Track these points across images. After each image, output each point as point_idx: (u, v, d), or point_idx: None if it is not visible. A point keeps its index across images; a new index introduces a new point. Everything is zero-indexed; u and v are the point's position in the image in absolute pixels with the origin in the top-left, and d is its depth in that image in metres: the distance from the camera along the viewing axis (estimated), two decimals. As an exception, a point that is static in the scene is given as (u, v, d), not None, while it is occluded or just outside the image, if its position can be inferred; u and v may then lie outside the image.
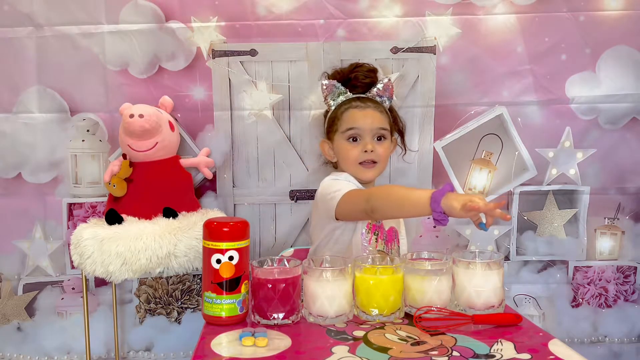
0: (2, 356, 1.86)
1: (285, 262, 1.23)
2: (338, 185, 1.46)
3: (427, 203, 1.22)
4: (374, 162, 1.53)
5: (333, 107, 1.59)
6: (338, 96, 1.58)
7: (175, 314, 1.88)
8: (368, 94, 1.58)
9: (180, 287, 1.87)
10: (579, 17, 1.82)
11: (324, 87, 1.59)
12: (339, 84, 1.58)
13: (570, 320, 1.93)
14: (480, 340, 1.09)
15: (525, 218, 1.91)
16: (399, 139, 1.68)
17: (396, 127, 1.65)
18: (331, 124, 1.58)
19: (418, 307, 1.20)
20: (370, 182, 1.57)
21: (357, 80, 1.58)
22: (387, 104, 1.59)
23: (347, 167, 1.55)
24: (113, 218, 1.60)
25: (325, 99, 1.60)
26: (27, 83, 1.79)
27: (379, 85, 1.58)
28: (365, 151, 1.51)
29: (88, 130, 1.81)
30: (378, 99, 1.58)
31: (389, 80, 1.59)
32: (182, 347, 1.86)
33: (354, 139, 1.53)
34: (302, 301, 1.22)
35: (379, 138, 1.54)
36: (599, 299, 1.94)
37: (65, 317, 1.87)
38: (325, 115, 1.65)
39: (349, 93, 1.58)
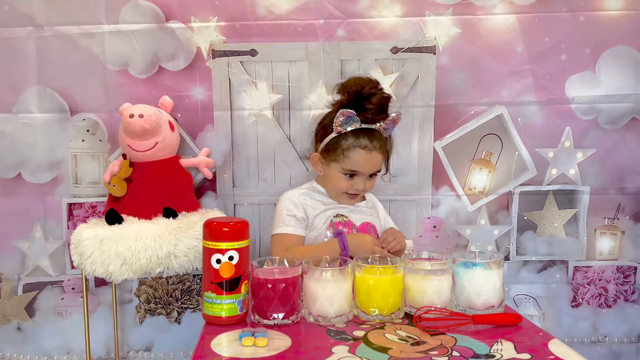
0: (2, 356, 1.86)
1: (285, 262, 1.23)
2: (282, 219, 1.56)
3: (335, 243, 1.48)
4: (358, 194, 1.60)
5: (340, 132, 1.53)
6: (350, 124, 1.52)
7: (175, 314, 1.88)
8: (377, 126, 1.53)
9: (180, 287, 1.87)
10: (579, 17, 1.82)
11: (342, 117, 1.51)
12: (355, 116, 1.51)
13: (570, 320, 1.93)
14: (480, 340, 1.09)
15: (525, 218, 1.91)
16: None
17: (386, 151, 1.61)
18: (333, 149, 1.55)
19: (418, 307, 1.20)
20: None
21: (370, 104, 1.52)
22: (388, 133, 1.58)
23: (332, 191, 1.61)
24: (113, 218, 1.60)
25: (338, 125, 1.52)
26: (27, 83, 1.79)
27: (389, 120, 1.54)
28: (357, 188, 1.57)
29: (88, 130, 1.81)
30: (383, 130, 1.55)
31: (399, 114, 1.56)
32: (182, 347, 1.86)
33: (351, 176, 1.56)
34: (302, 301, 1.22)
35: (372, 175, 1.59)
36: (599, 299, 1.94)
37: (65, 317, 1.87)
38: (322, 126, 1.60)
39: (359, 122, 1.52)
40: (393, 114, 1.55)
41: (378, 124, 1.53)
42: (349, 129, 1.52)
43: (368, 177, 1.58)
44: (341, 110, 1.51)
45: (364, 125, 1.52)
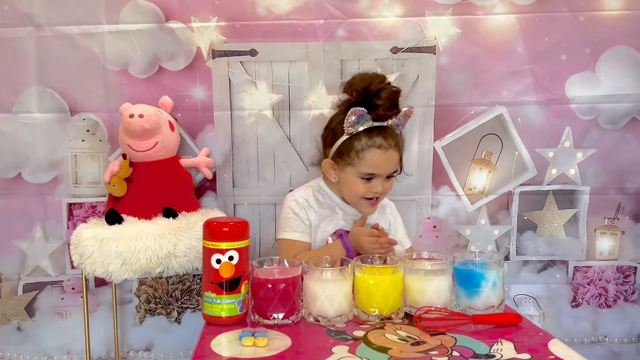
0: (2, 356, 1.86)
1: (285, 262, 1.23)
2: (289, 224, 1.54)
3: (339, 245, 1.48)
4: (377, 197, 1.55)
5: (352, 133, 1.47)
6: (362, 124, 1.46)
7: (175, 314, 1.88)
8: (389, 123, 1.48)
9: (180, 287, 1.87)
10: (579, 17, 1.82)
11: (354, 116, 1.45)
12: (367, 114, 1.45)
13: (570, 320, 1.93)
14: (480, 340, 1.09)
15: (525, 218, 1.91)
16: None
17: (400, 148, 1.56)
18: (346, 152, 1.49)
19: (418, 307, 1.20)
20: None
21: (380, 99, 1.46)
22: (400, 129, 1.53)
23: (350, 197, 1.56)
24: (113, 218, 1.60)
25: (350, 125, 1.46)
26: (27, 83, 1.79)
27: (401, 115, 1.49)
28: (375, 191, 1.51)
29: (88, 130, 1.81)
30: (395, 126, 1.49)
31: (411, 109, 1.51)
32: (182, 347, 1.86)
33: (368, 179, 1.50)
34: (302, 301, 1.22)
35: (389, 176, 1.54)
36: (599, 299, 1.94)
37: (65, 317, 1.87)
38: (331, 130, 1.55)
39: (370, 120, 1.46)
40: (405, 109, 1.50)
41: (390, 121, 1.47)
42: (361, 128, 1.46)
43: (385, 179, 1.52)
44: (352, 110, 1.44)
45: (375, 124, 1.46)
